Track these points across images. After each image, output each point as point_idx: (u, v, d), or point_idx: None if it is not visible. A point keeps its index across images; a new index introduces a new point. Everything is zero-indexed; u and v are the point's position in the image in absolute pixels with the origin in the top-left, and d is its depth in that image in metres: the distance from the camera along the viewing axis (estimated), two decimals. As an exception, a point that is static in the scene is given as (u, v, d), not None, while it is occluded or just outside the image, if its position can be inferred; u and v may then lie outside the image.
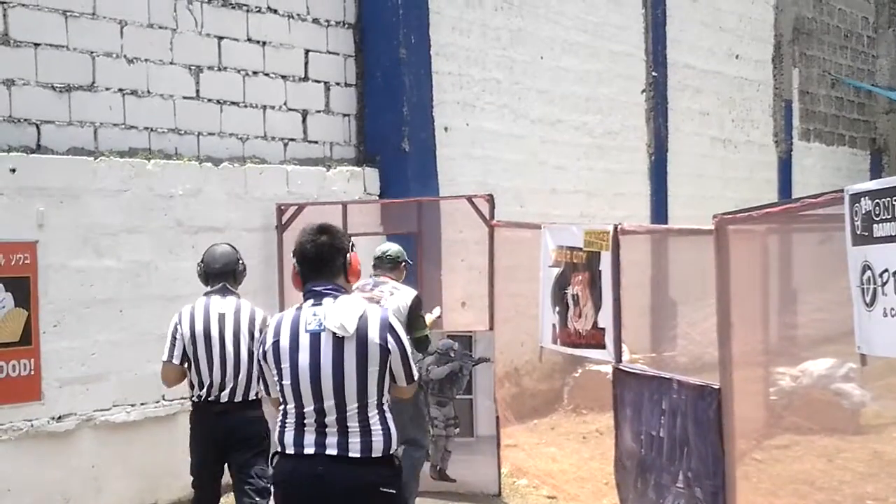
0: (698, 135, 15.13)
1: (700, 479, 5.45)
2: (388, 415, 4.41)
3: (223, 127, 8.94)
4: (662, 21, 14.22)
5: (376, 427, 4.34)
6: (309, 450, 4.32)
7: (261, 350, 4.49)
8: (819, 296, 9.99)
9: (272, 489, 4.57)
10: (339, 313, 4.34)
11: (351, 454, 4.29)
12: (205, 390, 6.32)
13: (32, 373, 7.37)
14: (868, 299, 3.86)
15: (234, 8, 9.02)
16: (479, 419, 8.40)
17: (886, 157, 20.25)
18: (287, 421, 4.39)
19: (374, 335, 4.34)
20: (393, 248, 7.55)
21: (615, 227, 6.56)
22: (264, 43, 9.28)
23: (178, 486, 8.21)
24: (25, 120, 7.60)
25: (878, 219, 3.79)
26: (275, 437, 4.47)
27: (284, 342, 4.38)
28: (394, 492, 4.38)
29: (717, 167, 15.49)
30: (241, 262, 6.61)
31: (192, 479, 6.55)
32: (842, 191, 4.06)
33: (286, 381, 4.36)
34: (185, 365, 6.33)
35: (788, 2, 17.32)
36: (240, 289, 6.61)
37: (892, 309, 3.73)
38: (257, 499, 6.28)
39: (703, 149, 15.25)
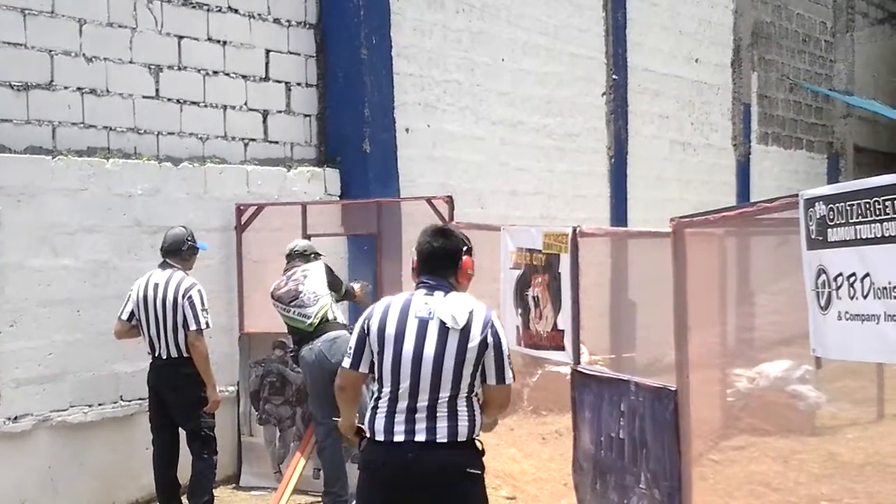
0: (658, 138, 15.22)
1: (658, 479, 5.49)
2: (475, 403, 4.65)
3: (183, 126, 8.90)
4: (622, 24, 14.29)
5: (463, 413, 4.58)
6: (399, 437, 4.55)
7: (366, 323, 4.72)
8: (775, 298, 10.08)
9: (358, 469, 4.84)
10: (450, 306, 4.61)
11: (438, 439, 4.53)
12: (148, 346, 7.52)
13: (-12, 373, 7.31)
14: (823, 303, 3.91)
15: (194, 7, 8.98)
16: (438, 420, 8.40)
17: (843, 161, 20.44)
18: (379, 406, 4.62)
19: (476, 330, 4.58)
20: (301, 242, 8.33)
21: (574, 230, 6.58)
22: (225, 43, 9.25)
23: (135, 487, 8.20)
24: (-18, 118, 7.54)
25: (832, 223, 3.83)
26: (366, 418, 4.68)
27: (391, 325, 4.63)
28: (479, 472, 4.66)
29: (676, 170, 15.59)
30: (187, 243, 7.62)
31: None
32: (797, 195, 4.10)
33: (387, 362, 4.60)
34: (133, 323, 7.53)
35: (747, 6, 17.45)
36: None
37: (847, 312, 3.77)
38: (204, 449, 7.54)
39: (663, 152, 15.34)
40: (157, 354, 7.49)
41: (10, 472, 7.45)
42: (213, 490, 7.75)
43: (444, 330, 4.55)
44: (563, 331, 6.69)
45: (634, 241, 9.83)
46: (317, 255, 8.21)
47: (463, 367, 4.55)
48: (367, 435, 4.68)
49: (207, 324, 7.41)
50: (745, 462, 8.43)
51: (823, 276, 3.89)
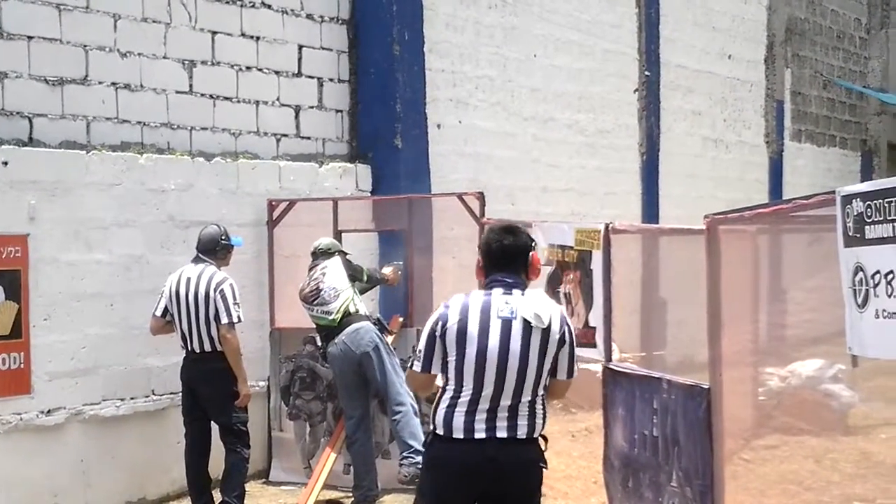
0: (690, 134, 15.15)
1: (690, 478, 5.46)
2: (545, 400, 4.68)
3: (216, 122, 8.93)
4: (655, 20, 14.24)
5: (539, 411, 4.62)
6: (480, 434, 4.53)
7: (438, 325, 4.62)
8: (808, 296, 10.00)
9: (420, 468, 4.95)
10: (532, 304, 4.58)
11: (518, 436, 4.56)
12: (181, 340, 7.56)
13: (22, 366, 7.36)
14: (860, 301, 3.87)
15: (227, 3, 9.01)
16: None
17: (877, 159, 20.31)
18: (458, 405, 4.56)
19: (556, 327, 4.58)
20: (325, 241, 8.34)
21: (606, 226, 6.57)
22: (258, 38, 9.28)
23: (166, 481, 8.24)
24: (18, 113, 7.58)
25: (869, 220, 3.79)
26: (438, 417, 4.62)
27: (473, 326, 4.55)
28: (545, 467, 4.75)
29: (709, 167, 15.51)
30: (221, 242, 7.65)
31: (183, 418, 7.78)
32: (833, 192, 4.06)
33: (469, 362, 4.53)
34: (167, 318, 7.58)
35: (781, 2, 17.35)
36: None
37: (885, 310, 3.73)
38: (237, 443, 7.57)
39: (695, 148, 15.28)
40: (189, 348, 7.53)
41: (43, 464, 7.50)
42: (245, 484, 7.77)
43: (527, 329, 4.53)
44: (594, 328, 6.67)
45: (666, 238, 9.76)
46: (342, 252, 8.24)
47: (544, 367, 4.57)
48: (440, 432, 4.61)
49: (239, 317, 7.44)
50: (778, 461, 8.38)
51: (861, 274, 3.85)
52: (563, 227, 7.21)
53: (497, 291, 4.63)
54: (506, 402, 4.52)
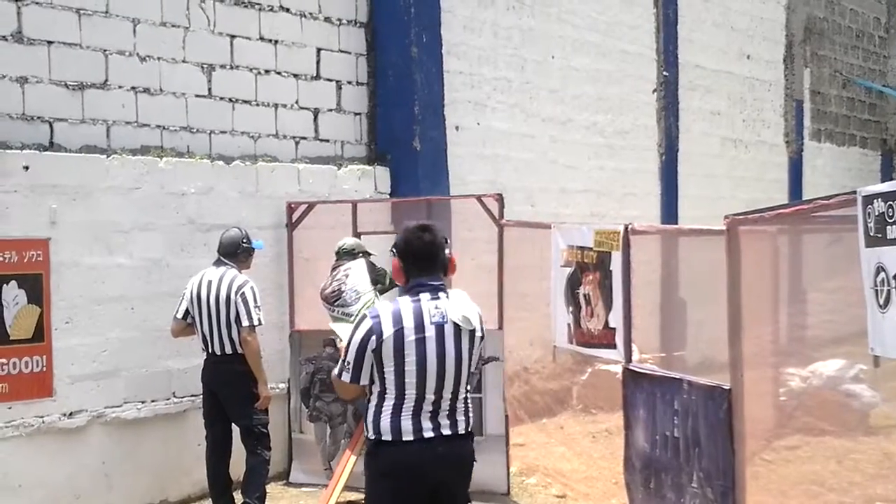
0: (709, 135, 15.12)
1: (711, 479, 5.45)
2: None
3: (235, 125, 8.96)
4: (674, 21, 14.21)
5: (471, 406, 4.82)
6: (428, 434, 4.65)
7: (372, 338, 4.60)
8: (829, 297, 9.97)
9: (378, 473, 4.79)
10: (459, 307, 4.71)
11: (459, 431, 4.73)
12: (202, 343, 7.59)
13: (44, 369, 7.40)
14: (882, 301, 3.86)
15: (246, 7, 9.04)
16: (488, 418, 8.40)
17: (898, 158, 20.23)
18: (402, 409, 4.62)
19: (478, 326, 4.76)
20: (349, 241, 8.38)
21: (626, 227, 6.56)
22: (276, 42, 9.30)
23: (188, 483, 8.27)
24: (38, 117, 7.62)
25: (891, 220, 3.79)
26: (383, 424, 4.63)
27: (409, 335, 4.60)
28: (476, 460, 4.94)
29: (728, 167, 15.48)
30: (242, 245, 7.68)
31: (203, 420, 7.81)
32: (854, 192, 4.06)
33: (410, 371, 4.59)
34: (188, 321, 7.61)
35: (800, 2, 17.30)
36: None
37: (906, 311, 3.73)
38: (258, 445, 7.57)
39: (714, 149, 15.24)
40: (210, 351, 7.55)
41: (64, 466, 7.54)
42: (265, 486, 7.79)
43: (458, 332, 4.66)
44: (614, 329, 6.66)
45: (686, 239, 9.75)
46: (366, 254, 8.24)
47: (472, 365, 4.73)
48: (387, 438, 4.62)
49: (260, 320, 7.46)
50: (799, 462, 8.36)
51: (882, 274, 3.84)
52: (582, 229, 7.21)
53: (425, 296, 4.69)
54: (446, 403, 4.66)
